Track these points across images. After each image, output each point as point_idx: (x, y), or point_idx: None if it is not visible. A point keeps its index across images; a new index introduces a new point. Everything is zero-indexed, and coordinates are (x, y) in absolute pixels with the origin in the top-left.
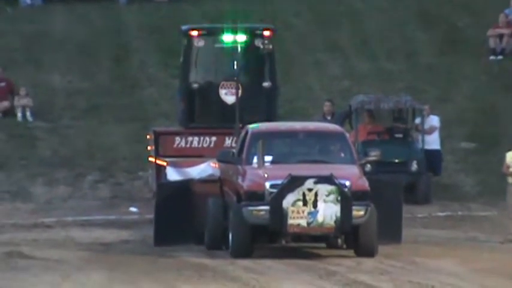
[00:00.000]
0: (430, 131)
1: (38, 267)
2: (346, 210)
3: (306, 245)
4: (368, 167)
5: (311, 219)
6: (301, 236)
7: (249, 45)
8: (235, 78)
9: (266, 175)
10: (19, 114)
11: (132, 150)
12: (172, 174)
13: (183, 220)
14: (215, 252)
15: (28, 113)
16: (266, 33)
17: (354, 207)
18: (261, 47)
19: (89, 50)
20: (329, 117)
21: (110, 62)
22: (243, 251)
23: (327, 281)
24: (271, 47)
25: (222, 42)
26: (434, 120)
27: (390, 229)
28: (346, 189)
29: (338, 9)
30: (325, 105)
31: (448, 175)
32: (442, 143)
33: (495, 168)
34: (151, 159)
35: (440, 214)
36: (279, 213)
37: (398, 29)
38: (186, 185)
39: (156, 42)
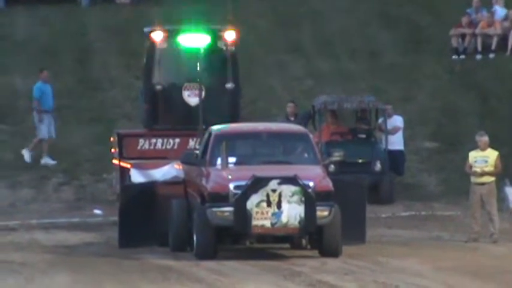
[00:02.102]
0: (394, 131)
1: (2, 270)
2: (310, 210)
3: (271, 246)
4: (331, 167)
5: (275, 220)
6: (265, 236)
7: (211, 47)
8: (198, 80)
9: (230, 176)
10: None
11: (96, 152)
12: (136, 176)
13: (147, 222)
14: (179, 254)
15: None
16: (229, 34)
17: (318, 208)
18: (224, 48)
19: (52, 52)
20: (292, 118)
21: (72, 64)
22: (208, 253)
23: (292, 282)
24: (234, 48)
25: (184, 44)
26: (398, 121)
27: (354, 229)
28: (310, 190)
29: (300, 10)
30: (288, 107)
31: (411, 175)
32: (405, 142)
33: (458, 167)
34: (115, 161)
35: (404, 214)
36: (243, 215)
37: (360, 29)
38: (150, 187)
39: (118, 44)
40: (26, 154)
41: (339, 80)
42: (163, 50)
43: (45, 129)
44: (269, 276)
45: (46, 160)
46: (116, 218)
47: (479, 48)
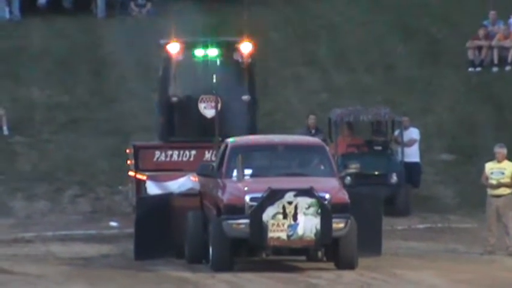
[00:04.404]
0: (410, 143)
1: (18, 282)
2: (326, 222)
3: (287, 258)
4: (348, 179)
5: (291, 232)
6: (281, 249)
7: (228, 59)
8: (214, 92)
9: (246, 188)
10: None
11: (112, 164)
12: (152, 188)
13: (163, 234)
14: (195, 266)
15: (4, 127)
16: (245, 46)
17: (334, 220)
18: (240, 60)
19: (68, 64)
20: (313, 131)
21: (88, 76)
22: (224, 265)
23: None
24: (250, 60)
25: (200, 56)
26: (414, 133)
27: (370, 241)
28: (326, 202)
29: (316, 23)
30: (309, 119)
31: (427, 187)
32: (421, 154)
33: (474, 179)
34: (131, 173)
35: (420, 226)
36: (259, 227)
37: (376, 41)
38: (166, 199)
39: (134, 56)
40: None
41: (355, 93)
42: (179, 62)
43: None
44: None
45: None
46: (131, 230)
47: (496, 60)
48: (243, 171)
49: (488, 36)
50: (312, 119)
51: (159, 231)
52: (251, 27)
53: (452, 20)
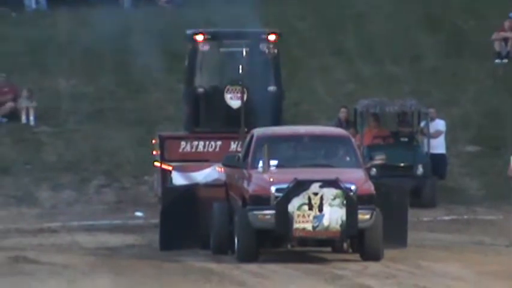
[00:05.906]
0: (436, 135)
1: (44, 272)
2: (351, 214)
3: (312, 249)
4: (373, 171)
5: (317, 223)
6: (306, 240)
7: (254, 50)
8: (240, 82)
9: (271, 179)
10: (23, 117)
11: (137, 154)
12: (178, 179)
13: (188, 224)
14: (221, 257)
15: (32, 117)
16: (271, 37)
17: (359, 211)
18: (266, 51)
19: (94, 54)
20: (345, 124)
21: (114, 66)
22: (249, 255)
23: (333, 285)
24: (276, 51)
25: (227, 46)
26: (440, 125)
27: (396, 233)
28: (351, 193)
29: (343, 13)
30: (341, 112)
31: (453, 179)
32: (447, 146)
33: (500, 171)
34: (157, 163)
35: (446, 218)
36: (284, 218)
37: (403, 32)
38: (191, 190)
39: (161, 47)
40: None
41: (381, 83)
42: (205, 52)
43: None
44: (310, 279)
45: None
46: (157, 221)
47: None
48: (269, 162)
49: None
50: (343, 112)
51: (185, 221)
52: (278, 17)
53: (478, 11)
